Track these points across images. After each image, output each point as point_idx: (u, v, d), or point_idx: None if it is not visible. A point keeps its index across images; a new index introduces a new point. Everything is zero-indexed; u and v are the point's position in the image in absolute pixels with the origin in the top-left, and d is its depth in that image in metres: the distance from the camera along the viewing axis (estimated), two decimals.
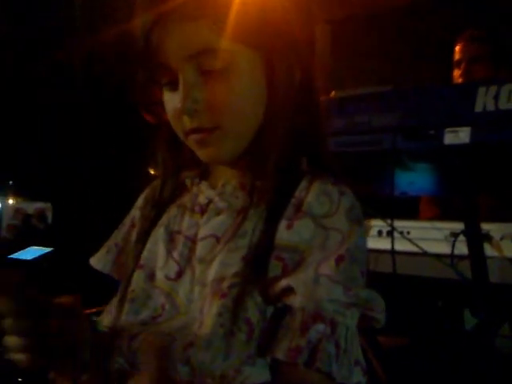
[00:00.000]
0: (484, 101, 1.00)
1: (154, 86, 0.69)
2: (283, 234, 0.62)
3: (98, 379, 0.64)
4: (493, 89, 0.99)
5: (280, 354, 0.58)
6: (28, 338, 0.57)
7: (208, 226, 0.68)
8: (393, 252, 1.20)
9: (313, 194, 0.63)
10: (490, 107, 0.99)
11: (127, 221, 0.82)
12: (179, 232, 0.71)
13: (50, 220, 3.25)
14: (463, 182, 1.14)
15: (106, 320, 0.72)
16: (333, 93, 1.27)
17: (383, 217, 1.27)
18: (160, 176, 0.76)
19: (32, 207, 3.26)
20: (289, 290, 0.59)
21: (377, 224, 1.35)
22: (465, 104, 1.04)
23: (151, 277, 0.70)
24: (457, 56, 1.90)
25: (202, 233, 0.68)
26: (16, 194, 3.29)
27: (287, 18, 0.67)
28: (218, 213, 0.68)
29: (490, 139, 0.99)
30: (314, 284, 0.58)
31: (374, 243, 1.34)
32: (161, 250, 0.71)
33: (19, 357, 0.58)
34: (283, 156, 0.65)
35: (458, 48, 1.91)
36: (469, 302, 1.31)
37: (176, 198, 0.75)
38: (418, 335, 1.40)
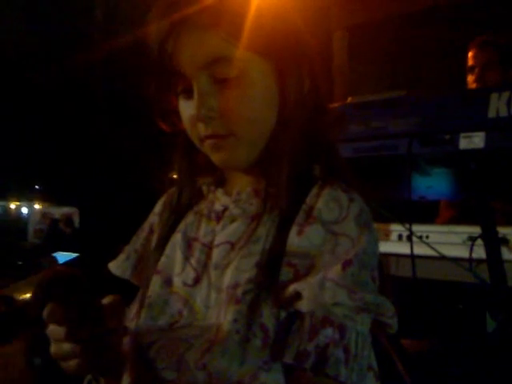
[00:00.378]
0: (497, 106, 1.01)
1: (168, 95, 0.70)
2: (294, 240, 0.62)
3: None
4: (505, 95, 0.99)
5: (288, 358, 0.58)
6: (82, 345, 0.57)
7: (223, 233, 0.69)
8: (412, 256, 1.20)
9: (323, 201, 0.63)
10: (503, 113, 1.00)
11: (146, 227, 0.83)
12: (196, 239, 0.72)
13: (76, 224, 3.31)
14: (478, 186, 1.15)
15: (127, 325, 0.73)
16: (349, 99, 1.28)
17: (402, 221, 1.27)
18: (177, 183, 0.78)
19: (59, 212, 3.33)
20: (297, 295, 0.60)
21: (397, 229, 1.36)
22: (478, 109, 1.04)
23: (168, 283, 0.71)
24: (470, 62, 1.91)
25: (218, 240, 0.69)
26: (43, 199, 3.36)
27: (298, 28, 0.69)
28: (233, 220, 0.69)
29: (504, 144, 1.00)
30: (319, 288, 0.58)
31: (394, 248, 1.34)
32: (178, 256, 0.72)
33: (72, 363, 0.58)
34: (295, 163, 0.66)
35: (470, 54, 1.91)
36: (488, 305, 1.30)
37: (193, 204, 0.76)
38: (439, 338, 1.40)
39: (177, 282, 0.70)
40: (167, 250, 0.74)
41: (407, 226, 1.21)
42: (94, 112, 3.05)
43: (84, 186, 3.17)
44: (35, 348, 0.58)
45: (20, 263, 2.49)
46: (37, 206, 3.25)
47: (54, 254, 2.58)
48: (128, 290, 0.79)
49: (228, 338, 0.59)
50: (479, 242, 1.19)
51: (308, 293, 0.59)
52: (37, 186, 3.31)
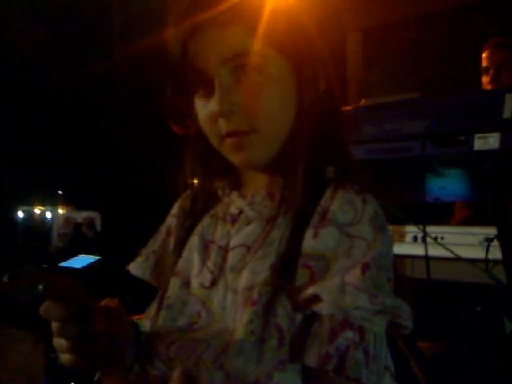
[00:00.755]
0: (511, 107, 1.01)
1: (184, 97, 0.71)
2: (309, 243, 0.62)
3: (142, 381, 0.67)
4: None
5: (310, 360, 0.58)
6: (75, 341, 0.60)
7: (239, 236, 0.70)
8: (426, 257, 1.20)
9: (337, 203, 0.64)
10: None
11: (163, 229, 0.84)
12: (212, 241, 0.73)
13: (98, 228, 3.36)
14: (494, 187, 1.14)
15: (145, 325, 0.74)
16: (362, 101, 1.29)
17: (416, 223, 1.27)
18: (192, 186, 0.79)
19: (81, 216, 3.38)
20: (316, 298, 0.60)
21: (411, 230, 1.36)
22: (493, 110, 1.04)
23: (186, 284, 0.72)
24: (484, 63, 1.89)
25: (234, 242, 0.70)
26: (66, 204, 3.42)
27: (311, 30, 0.70)
28: (248, 222, 0.70)
29: None
30: (340, 293, 0.59)
31: (409, 249, 1.34)
32: (195, 258, 0.73)
33: (66, 357, 0.61)
34: (310, 164, 0.67)
35: (485, 55, 1.90)
36: (504, 307, 1.29)
37: (209, 207, 0.77)
38: (456, 340, 1.39)
39: (194, 283, 0.72)
40: (185, 253, 0.75)
41: (421, 227, 1.21)
42: (113, 118, 3.10)
43: (105, 191, 3.23)
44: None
45: (45, 266, 2.55)
46: (60, 211, 3.31)
47: (77, 257, 2.63)
48: (146, 291, 0.81)
49: (244, 338, 0.60)
50: (495, 242, 1.18)
51: (328, 296, 0.59)
52: (60, 192, 3.37)
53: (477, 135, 1.07)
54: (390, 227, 0.65)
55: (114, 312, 0.64)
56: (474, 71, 1.84)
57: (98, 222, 3.33)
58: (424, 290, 1.22)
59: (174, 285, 0.73)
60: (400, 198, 1.30)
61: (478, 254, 1.22)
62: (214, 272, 0.70)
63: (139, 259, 0.83)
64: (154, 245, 0.84)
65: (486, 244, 1.20)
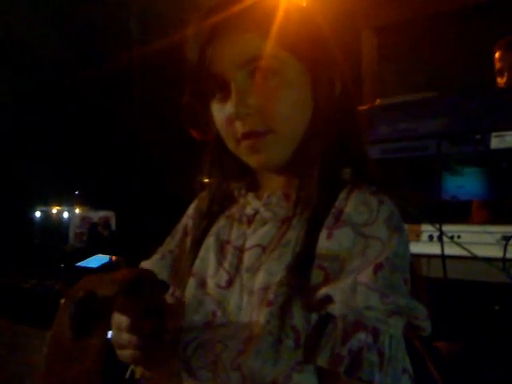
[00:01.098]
0: None
1: (201, 102, 0.72)
2: (324, 243, 0.63)
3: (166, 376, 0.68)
4: None
5: (322, 362, 0.58)
6: (141, 338, 0.61)
7: (254, 236, 0.70)
8: (443, 256, 1.20)
9: (351, 204, 0.64)
10: None
11: (179, 228, 0.85)
12: (228, 242, 0.73)
13: (113, 227, 3.40)
14: (510, 185, 1.13)
15: None
16: (377, 101, 1.28)
17: (432, 222, 1.27)
18: (209, 188, 0.80)
19: (97, 216, 3.42)
20: (329, 299, 0.60)
21: (427, 229, 1.35)
22: (510, 108, 1.03)
23: (203, 284, 0.73)
24: (498, 65, 1.86)
25: (249, 243, 0.70)
26: (82, 204, 3.46)
27: (328, 29, 0.70)
28: (264, 223, 0.70)
29: None
30: (351, 292, 0.58)
31: (425, 248, 1.34)
32: (211, 259, 0.74)
33: (127, 353, 0.62)
34: (326, 166, 0.67)
35: (497, 56, 1.87)
36: None
37: (225, 208, 0.78)
38: (474, 340, 1.38)
39: (210, 284, 0.72)
40: (201, 253, 0.76)
41: (438, 226, 1.21)
42: (128, 119, 3.12)
43: (119, 191, 3.26)
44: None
45: (62, 265, 2.58)
46: (77, 211, 3.35)
47: (94, 257, 2.66)
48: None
49: (261, 339, 0.61)
50: None
51: (340, 297, 0.59)
52: (76, 192, 3.42)
53: (493, 134, 1.06)
54: (406, 226, 0.65)
55: (180, 309, 0.66)
56: (489, 69, 1.81)
57: (113, 222, 3.37)
58: (440, 290, 1.22)
59: (191, 285, 0.73)
60: (416, 197, 1.29)
61: (495, 252, 1.21)
62: (230, 272, 0.70)
63: (155, 257, 0.84)
64: (170, 244, 0.84)
65: (504, 243, 1.19)
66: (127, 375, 0.72)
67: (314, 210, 0.66)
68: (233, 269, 0.70)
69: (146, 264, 0.84)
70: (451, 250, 1.25)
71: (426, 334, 0.61)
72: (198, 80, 0.70)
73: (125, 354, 0.63)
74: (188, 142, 0.77)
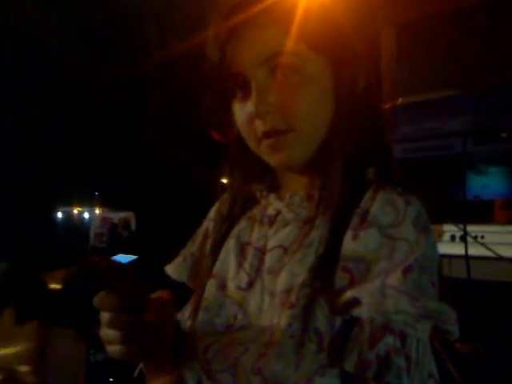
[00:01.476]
0: None
1: (222, 102, 0.71)
2: (349, 245, 0.61)
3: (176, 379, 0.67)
4: None
5: (349, 366, 0.57)
6: (124, 332, 0.60)
7: (276, 237, 0.69)
8: (467, 257, 1.18)
9: (378, 205, 0.62)
10: None
11: (201, 232, 0.84)
12: (249, 243, 0.73)
13: (133, 228, 3.43)
14: None
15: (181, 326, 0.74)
16: (400, 99, 1.27)
17: (456, 222, 1.25)
18: (230, 189, 0.79)
19: (117, 216, 3.46)
20: (356, 302, 0.58)
21: (449, 229, 1.33)
22: None
23: (223, 287, 0.72)
24: None
25: (271, 244, 0.69)
26: (102, 204, 3.51)
27: (350, 25, 0.69)
28: (286, 224, 0.69)
29: None
30: (380, 295, 0.57)
31: (447, 248, 1.32)
32: (232, 261, 0.73)
33: (114, 349, 0.62)
34: (349, 164, 0.66)
35: None
36: None
37: (246, 210, 0.77)
38: (495, 341, 1.36)
39: (231, 285, 0.71)
40: (221, 255, 0.75)
41: (461, 226, 1.19)
42: (148, 121, 3.15)
43: (139, 192, 3.29)
44: None
45: None
46: (97, 212, 3.39)
47: (115, 257, 2.69)
48: (181, 292, 0.81)
49: (283, 342, 0.59)
50: None
51: (368, 299, 0.58)
52: (97, 193, 3.46)
53: None
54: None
55: (163, 302, 0.65)
56: None
57: (132, 222, 3.40)
58: (464, 290, 1.20)
59: (211, 287, 0.73)
60: (439, 196, 1.28)
61: None
62: (250, 274, 0.70)
63: (177, 260, 0.84)
64: (192, 247, 0.84)
65: None
66: (135, 374, 0.72)
67: (338, 209, 0.64)
68: (253, 270, 0.70)
69: (168, 269, 0.83)
70: (473, 250, 1.23)
71: (454, 338, 0.60)
72: (219, 80, 0.69)
73: (112, 349, 0.62)
74: (209, 144, 0.77)
